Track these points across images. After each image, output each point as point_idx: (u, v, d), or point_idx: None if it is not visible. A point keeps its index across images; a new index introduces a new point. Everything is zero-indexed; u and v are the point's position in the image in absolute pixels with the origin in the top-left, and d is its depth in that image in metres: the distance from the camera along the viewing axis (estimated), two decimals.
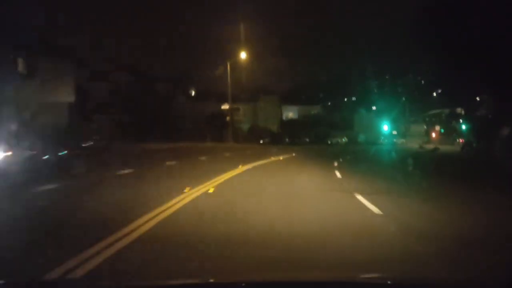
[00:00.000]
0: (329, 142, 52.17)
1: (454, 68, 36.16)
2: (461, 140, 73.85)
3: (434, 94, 71.78)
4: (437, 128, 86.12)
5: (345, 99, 77.35)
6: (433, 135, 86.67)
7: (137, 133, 33.89)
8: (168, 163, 16.96)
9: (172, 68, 49.98)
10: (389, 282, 2.17)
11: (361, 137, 55.82)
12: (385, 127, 66.38)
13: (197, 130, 40.82)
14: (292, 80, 73.43)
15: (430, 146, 67.33)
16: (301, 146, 41.76)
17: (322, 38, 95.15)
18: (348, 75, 74.20)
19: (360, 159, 24.44)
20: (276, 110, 55.95)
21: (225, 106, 43.26)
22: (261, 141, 43.61)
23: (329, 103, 75.33)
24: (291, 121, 60.89)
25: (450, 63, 34.33)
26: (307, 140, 50.71)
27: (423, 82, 73.72)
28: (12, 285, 2.29)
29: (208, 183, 10.27)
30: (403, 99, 79.21)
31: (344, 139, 55.00)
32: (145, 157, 20.67)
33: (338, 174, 13.58)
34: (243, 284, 2.10)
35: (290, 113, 69.05)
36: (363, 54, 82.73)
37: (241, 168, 14.86)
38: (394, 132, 69.58)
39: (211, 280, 2.38)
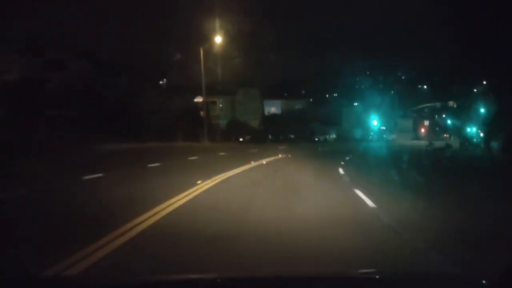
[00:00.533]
0: (316, 139, 47.39)
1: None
2: (445, 135, 70.58)
3: (425, 86, 67.98)
4: (426, 123, 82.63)
5: (334, 94, 72.77)
6: (422, 130, 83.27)
7: (92, 132, 28.17)
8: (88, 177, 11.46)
9: (140, 57, 44.15)
10: (377, 276, 2.20)
11: (358, 133, 51.26)
12: (374, 122, 62.02)
13: (168, 128, 35.33)
14: (277, 74, 68.51)
15: (414, 142, 63.97)
16: (286, 145, 36.83)
17: (309, 32, 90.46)
18: (335, 69, 69.83)
19: (368, 164, 19.46)
20: (257, 105, 50.73)
21: (199, 99, 37.80)
22: (241, 140, 38.42)
23: (315, 98, 70.62)
24: (274, 117, 55.84)
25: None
26: (292, 137, 45.74)
27: (412, 74, 70.04)
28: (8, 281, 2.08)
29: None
30: (392, 92, 75.41)
31: (333, 136, 50.26)
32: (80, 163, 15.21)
33: (361, 195, 8.56)
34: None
35: (273, 108, 64.01)
36: (351, 47, 78.62)
37: (199, 188, 9.43)
38: (383, 128, 65.35)
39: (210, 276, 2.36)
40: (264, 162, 17.86)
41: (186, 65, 40.58)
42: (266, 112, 62.45)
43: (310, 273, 2.38)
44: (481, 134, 50.35)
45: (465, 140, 43.33)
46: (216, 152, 23.69)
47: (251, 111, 48.37)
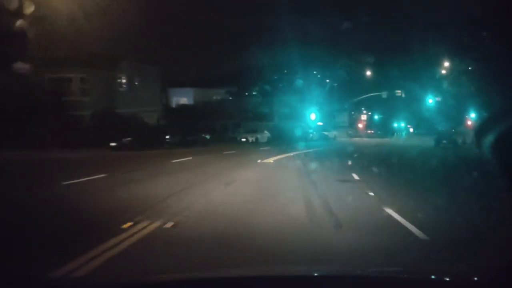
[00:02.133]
0: (243, 139, 32.68)
1: None
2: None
3: (368, 73, 56.77)
4: (364, 117, 72.57)
5: (264, 84, 58.08)
6: (360, 126, 73.11)
7: None
8: None
9: None
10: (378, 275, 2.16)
11: (298, 130, 37.41)
12: (313, 116, 48.87)
13: None
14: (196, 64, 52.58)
15: (357, 139, 52.87)
16: (195, 150, 21.76)
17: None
18: (265, 56, 55.93)
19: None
20: (157, 91, 34.54)
21: (22, 66, 20.21)
22: (113, 144, 22.02)
23: (240, 86, 55.72)
24: (183, 109, 39.88)
25: None
26: (207, 137, 30.33)
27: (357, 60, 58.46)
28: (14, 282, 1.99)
29: None
30: (327, 81, 63.59)
31: (266, 134, 35.76)
32: None
33: None
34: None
35: (183, 98, 48.06)
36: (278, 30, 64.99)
37: None
38: (320, 123, 52.57)
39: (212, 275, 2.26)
40: None
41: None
42: (174, 103, 46.37)
43: (307, 272, 2.32)
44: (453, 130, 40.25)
45: (442, 137, 31.73)
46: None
47: (147, 99, 32.14)
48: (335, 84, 64.31)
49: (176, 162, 15.99)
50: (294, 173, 12.57)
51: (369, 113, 71.15)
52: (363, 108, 67.80)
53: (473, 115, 40.97)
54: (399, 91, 54.60)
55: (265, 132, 35.48)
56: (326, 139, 46.35)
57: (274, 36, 64.15)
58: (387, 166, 14.82)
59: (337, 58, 62.18)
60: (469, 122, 55.54)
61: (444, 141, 31.02)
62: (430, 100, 54.33)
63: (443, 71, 52.26)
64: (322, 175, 12.05)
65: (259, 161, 16.39)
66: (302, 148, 25.16)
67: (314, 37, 55.53)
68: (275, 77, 55.97)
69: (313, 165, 14.94)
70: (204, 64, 59.25)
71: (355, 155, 20.16)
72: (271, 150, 24.26)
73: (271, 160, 16.99)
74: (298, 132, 41.89)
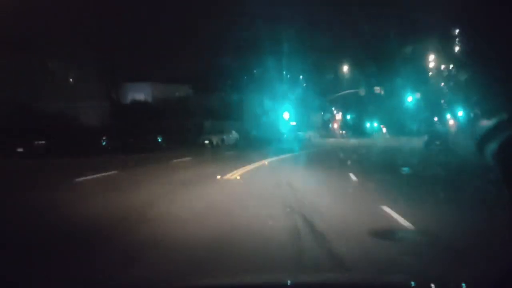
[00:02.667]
0: (206, 141, 27.19)
1: None
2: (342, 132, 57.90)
3: (345, 68, 52.51)
4: (339, 116, 68.45)
5: (231, 80, 52.46)
6: (335, 126, 69.07)
7: None
8: None
9: None
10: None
11: (271, 130, 32.38)
12: (286, 115, 44.05)
13: None
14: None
15: (332, 140, 48.69)
16: (134, 159, 16.32)
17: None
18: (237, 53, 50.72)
19: None
20: (102, 84, 28.60)
21: None
22: (20, 150, 16.05)
23: (204, 82, 50.12)
24: (137, 106, 34.00)
25: None
26: (160, 140, 24.66)
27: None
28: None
29: None
30: (301, 77, 59.19)
31: (234, 136, 30.47)
32: None
33: None
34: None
35: (141, 94, 42.08)
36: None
37: None
38: (293, 123, 47.85)
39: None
40: None
41: None
42: (129, 100, 40.34)
43: (314, 279, 2.27)
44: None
45: (435, 137, 27.55)
46: None
47: (88, 94, 26.21)
48: (309, 81, 60.12)
49: (80, 181, 10.43)
50: (280, 212, 6.73)
51: (344, 113, 67.43)
52: (333, 108, 63.95)
53: (460, 113, 37.27)
54: (377, 88, 50.68)
55: (233, 133, 30.24)
56: (301, 141, 41.69)
57: (246, 32, 59.12)
58: (408, 184, 10.06)
59: (312, 54, 57.70)
60: (451, 122, 52.40)
61: (437, 142, 26.80)
62: (410, 98, 50.61)
63: (430, 65, 49.18)
64: (332, 212, 6.87)
65: (219, 176, 11.20)
66: (277, 152, 20.23)
67: (288, 32, 50.74)
68: (246, 74, 50.80)
69: (304, 186, 9.91)
70: (168, 59, 53.37)
71: (348, 162, 15.47)
72: (239, 156, 19.12)
73: (237, 174, 11.84)
74: (271, 133, 37.04)
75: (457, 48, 40.78)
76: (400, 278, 2.36)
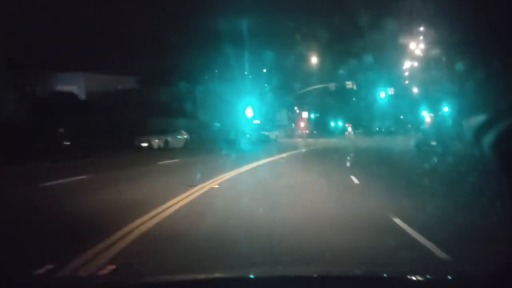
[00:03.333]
0: (142, 144, 20.20)
1: None
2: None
3: (314, 60, 46.90)
4: (305, 114, 62.86)
5: (190, 74, 45.34)
6: (301, 124, 63.68)
7: None
8: None
9: None
10: (385, 275, 2.12)
11: (231, 130, 26.22)
12: (249, 112, 37.77)
13: None
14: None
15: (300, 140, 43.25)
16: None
17: None
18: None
19: None
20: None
21: None
22: None
23: (152, 73, 43.30)
24: (60, 100, 26.50)
25: None
26: (68, 143, 17.61)
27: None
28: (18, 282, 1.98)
29: None
30: (264, 70, 53.32)
31: (182, 137, 23.71)
32: None
33: None
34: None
35: (72, 87, 34.57)
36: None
37: None
38: (257, 121, 41.84)
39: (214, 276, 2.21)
40: None
41: None
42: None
43: (313, 272, 2.20)
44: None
45: (429, 137, 22.70)
46: None
47: None
48: (275, 76, 54.44)
49: None
50: None
51: (310, 111, 62.26)
52: (295, 108, 58.80)
53: (446, 108, 32.69)
54: (349, 82, 45.55)
55: (182, 133, 23.58)
56: (267, 142, 35.80)
57: (204, 21, 52.49)
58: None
59: (278, 46, 51.81)
60: (428, 119, 48.32)
61: (433, 143, 21.92)
62: (383, 94, 45.74)
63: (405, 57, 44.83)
64: None
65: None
66: (238, 161, 14.11)
67: (251, 22, 44.60)
68: (203, 65, 44.10)
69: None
70: (117, 51, 45.90)
71: (355, 181, 9.58)
72: (180, 168, 12.78)
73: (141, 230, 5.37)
74: (231, 133, 30.90)
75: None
76: (398, 270, 2.32)
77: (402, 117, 62.43)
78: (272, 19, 49.75)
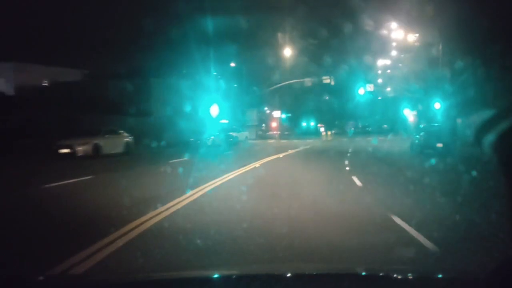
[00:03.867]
0: (63, 151, 14.86)
1: None
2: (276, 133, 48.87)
3: (288, 53, 42.23)
4: (276, 114, 58.10)
5: (145, 66, 39.47)
6: (273, 124, 58.94)
7: None
8: None
9: None
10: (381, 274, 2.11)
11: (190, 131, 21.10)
12: (214, 110, 32.45)
13: None
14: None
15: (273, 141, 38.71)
16: None
17: None
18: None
19: None
20: None
21: None
22: None
23: (99, 66, 37.66)
24: None
25: None
26: None
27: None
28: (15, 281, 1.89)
29: None
30: (232, 65, 48.52)
31: (123, 138, 18.29)
32: None
33: None
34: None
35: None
36: None
37: None
38: (224, 121, 36.75)
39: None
40: None
41: None
42: None
43: (312, 270, 2.28)
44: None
45: (433, 138, 18.50)
46: None
47: None
48: (243, 71, 49.67)
49: None
50: None
51: (283, 110, 57.63)
52: (265, 108, 54.22)
53: (437, 104, 28.73)
54: (326, 77, 41.33)
55: (122, 134, 18.13)
56: (236, 144, 30.86)
57: (168, 12, 46.95)
58: None
59: (247, 38, 46.92)
60: (411, 118, 44.68)
61: (440, 145, 17.79)
62: (361, 90, 41.52)
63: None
64: None
65: None
66: (194, 174, 9.18)
67: (216, 11, 39.52)
68: (162, 60, 38.49)
69: None
70: (67, 41, 39.77)
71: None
72: (73, 200, 7.52)
73: None
74: (192, 134, 25.76)
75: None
76: (396, 268, 2.31)
77: (377, 117, 59.20)
78: (243, 14, 44.73)
